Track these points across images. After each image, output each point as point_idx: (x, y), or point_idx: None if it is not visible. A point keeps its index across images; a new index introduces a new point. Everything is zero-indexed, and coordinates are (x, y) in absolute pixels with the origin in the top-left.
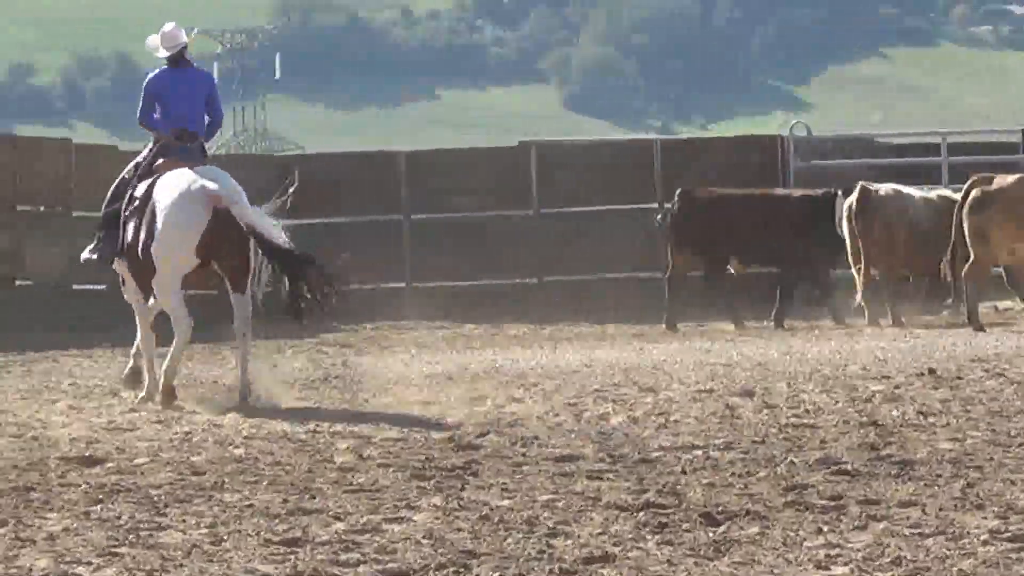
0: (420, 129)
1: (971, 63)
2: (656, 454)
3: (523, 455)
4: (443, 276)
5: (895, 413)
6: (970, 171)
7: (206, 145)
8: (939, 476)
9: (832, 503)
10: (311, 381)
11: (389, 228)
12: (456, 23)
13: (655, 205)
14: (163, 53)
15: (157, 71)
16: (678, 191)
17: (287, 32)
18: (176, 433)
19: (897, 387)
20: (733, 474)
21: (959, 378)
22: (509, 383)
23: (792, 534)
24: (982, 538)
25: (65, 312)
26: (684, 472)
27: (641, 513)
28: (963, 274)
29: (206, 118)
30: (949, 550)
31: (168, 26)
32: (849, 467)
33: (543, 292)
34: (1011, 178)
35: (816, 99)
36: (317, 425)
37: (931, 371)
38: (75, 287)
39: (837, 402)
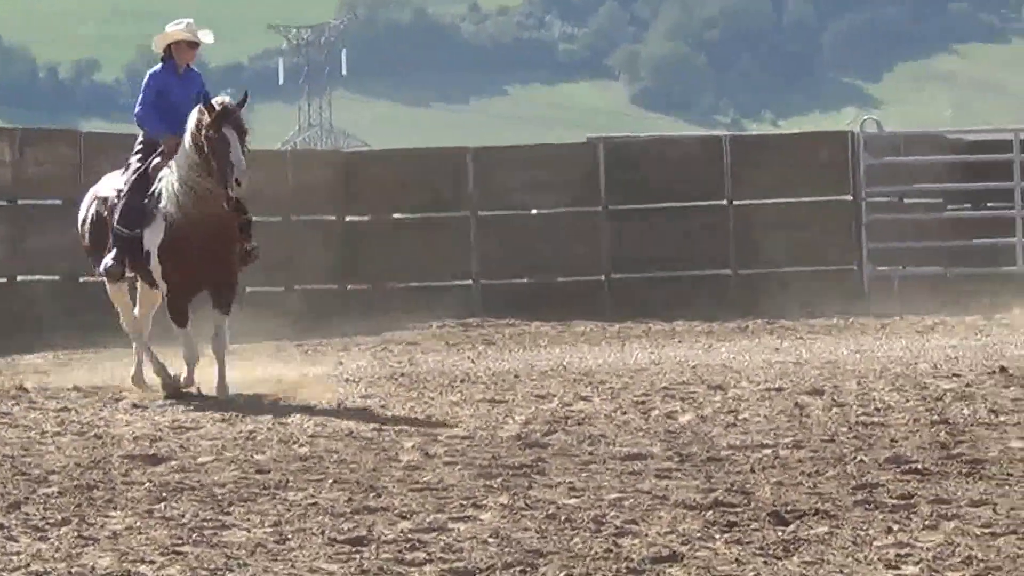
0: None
1: None
2: (725, 452)
3: (590, 453)
4: (511, 273)
5: (966, 411)
6: None
7: None
8: (1010, 475)
9: (902, 502)
10: (377, 379)
11: (456, 224)
12: (525, 18)
13: (724, 202)
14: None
15: (161, 68)
16: None
17: (353, 27)
18: (240, 431)
19: (968, 385)
20: (802, 473)
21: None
22: (576, 381)
23: (862, 533)
24: None
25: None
26: (753, 471)
27: (709, 512)
28: None
29: None
30: (1020, 549)
31: (185, 21)
32: (919, 466)
33: (611, 289)
34: None
35: (888, 95)
36: (383, 423)
37: (1002, 369)
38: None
39: (907, 400)
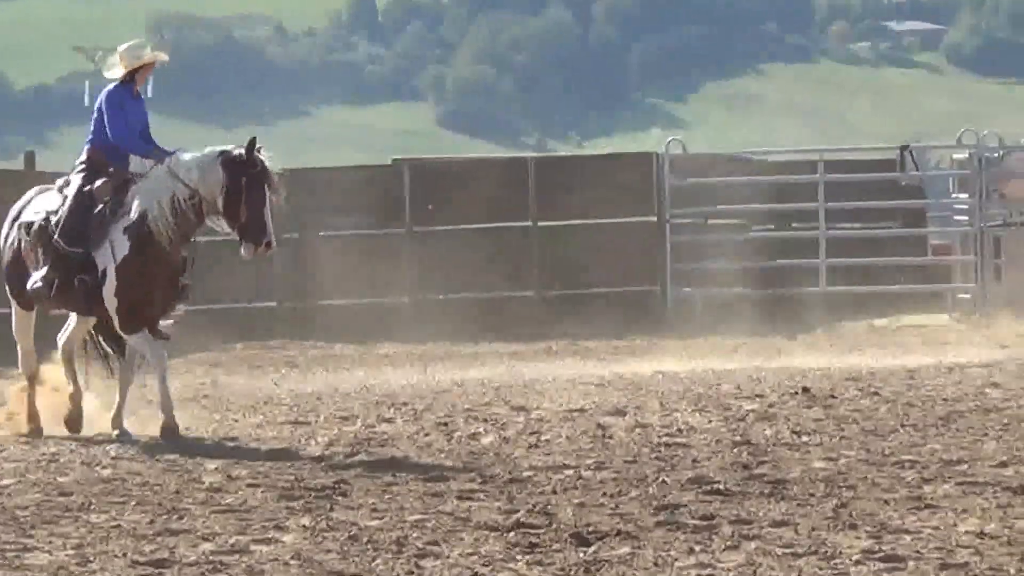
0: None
1: (850, 80)
2: (527, 474)
3: (393, 475)
4: (314, 295)
5: (768, 432)
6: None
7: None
8: (812, 495)
9: (704, 523)
10: (180, 401)
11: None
12: (331, 40)
13: (529, 223)
14: (116, 72)
15: (119, 87)
16: None
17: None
18: (43, 454)
19: (771, 406)
20: (604, 494)
21: (833, 397)
22: (379, 403)
23: (663, 554)
24: (855, 558)
25: None
26: (555, 492)
27: (511, 533)
28: None
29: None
30: (821, 570)
31: (125, 45)
32: (721, 486)
33: (415, 311)
34: None
35: (694, 117)
36: (186, 445)
37: (805, 390)
38: None
39: (710, 421)
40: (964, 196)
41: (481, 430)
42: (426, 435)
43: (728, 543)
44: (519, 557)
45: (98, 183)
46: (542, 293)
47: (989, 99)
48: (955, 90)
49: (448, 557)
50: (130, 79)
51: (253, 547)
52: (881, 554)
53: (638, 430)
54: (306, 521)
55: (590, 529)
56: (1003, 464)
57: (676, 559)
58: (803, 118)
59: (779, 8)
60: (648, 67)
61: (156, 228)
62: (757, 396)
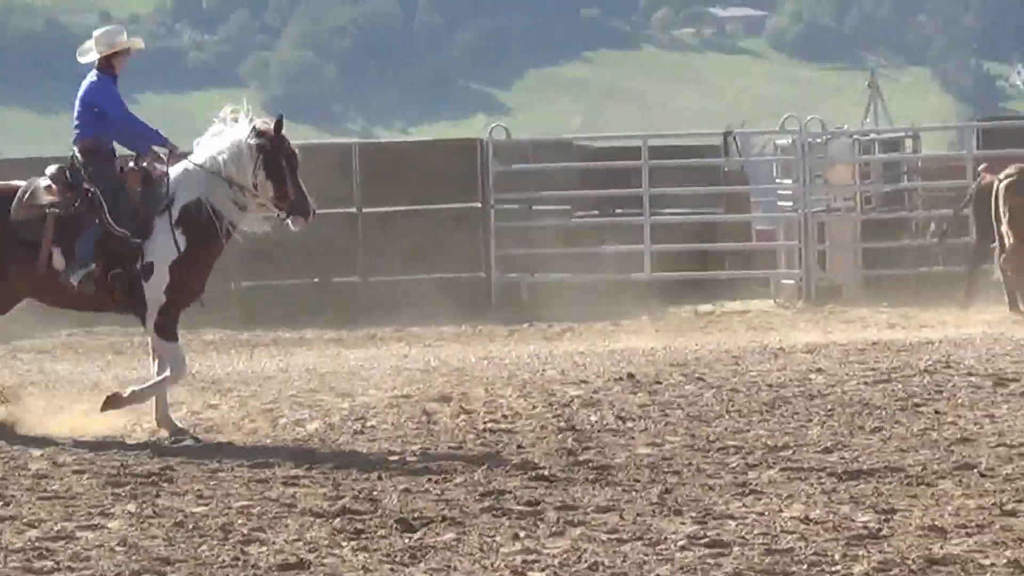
0: None
1: (674, 66)
2: (352, 460)
3: (218, 461)
4: None
5: (593, 418)
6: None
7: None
8: (637, 481)
9: (529, 509)
10: (6, 388)
11: None
12: (155, 27)
13: (354, 210)
14: (91, 58)
15: (103, 76)
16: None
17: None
18: None
19: (595, 392)
20: (429, 480)
21: (658, 383)
22: (205, 389)
23: (489, 540)
24: (679, 543)
25: None
26: (380, 478)
27: (337, 520)
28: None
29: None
30: (646, 556)
31: (101, 29)
32: (546, 472)
33: (240, 297)
34: None
35: (518, 103)
36: (11, 431)
37: (630, 376)
38: None
39: (535, 407)
40: (788, 182)
41: (306, 416)
42: (252, 421)
43: (553, 529)
44: (344, 543)
45: (125, 172)
46: (367, 279)
47: (812, 85)
48: (778, 76)
49: (274, 543)
50: (107, 65)
51: (79, 533)
52: (706, 539)
53: (463, 416)
54: (132, 507)
55: (415, 515)
56: (827, 450)
57: (501, 545)
58: (627, 104)
59: None
60: (472, 53)
61: (211, 223)
62: (582, 382)
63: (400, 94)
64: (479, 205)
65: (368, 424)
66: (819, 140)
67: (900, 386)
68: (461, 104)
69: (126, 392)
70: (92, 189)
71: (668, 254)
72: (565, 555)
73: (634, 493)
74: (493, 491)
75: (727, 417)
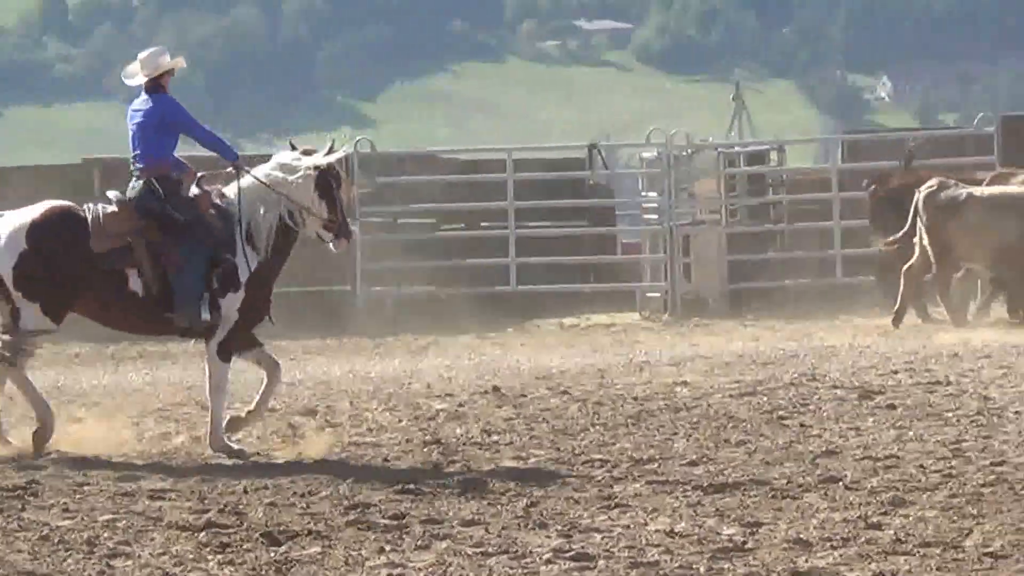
0: None
1: (540, 78)
2: (218, 474)
3: (84, 475)
4: None
5: (459, 431)
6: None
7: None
8: (503, 495)
9: (395, 522)
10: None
11: None
12: (20, 39)
13: None
14: (138, 80)
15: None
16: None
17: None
18: None
19: (461, 405)
20: (295, 493)
21: (523, 396)
22: (70, 402)
23: (354, 554)
24: (545, 557)
25: None
26: (246, 492)
27: (202, 533)
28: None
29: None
30: (512, 569)
31: (146, 52)
32: (412, 486)
33: None
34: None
35: (384, 115)
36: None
37: (495, 389)
38: None
39: (400, 420)
40: (653, 195)
41: (172, 430)
42: (118, 435)
43: (419, 542)
44: (210, 557)
45: (194, 193)
46: None
47: (678, 98)
48: (644, 89)
49: (139, 557)
50: (157, 86)
51: None
52: (572, 553)
53: (328, 429)
54: None
55: (281, 529)
56: (693, 463)
57: (367, 558)
58: (493, 117)
59: (469, 7)
60: (337, 65)
61: (278, 241)
62: (447, 395)
63: (267, 106)
64: None
65: (233, 437)
66: (684, 153)
67: (765, 399)
68: (327, 116)
69: (243, 413)
70: (174, 215)
71: (533, 267)
72: (431, 569)
73: (500, 506)
74: (359, 504)
75: (592, 430)
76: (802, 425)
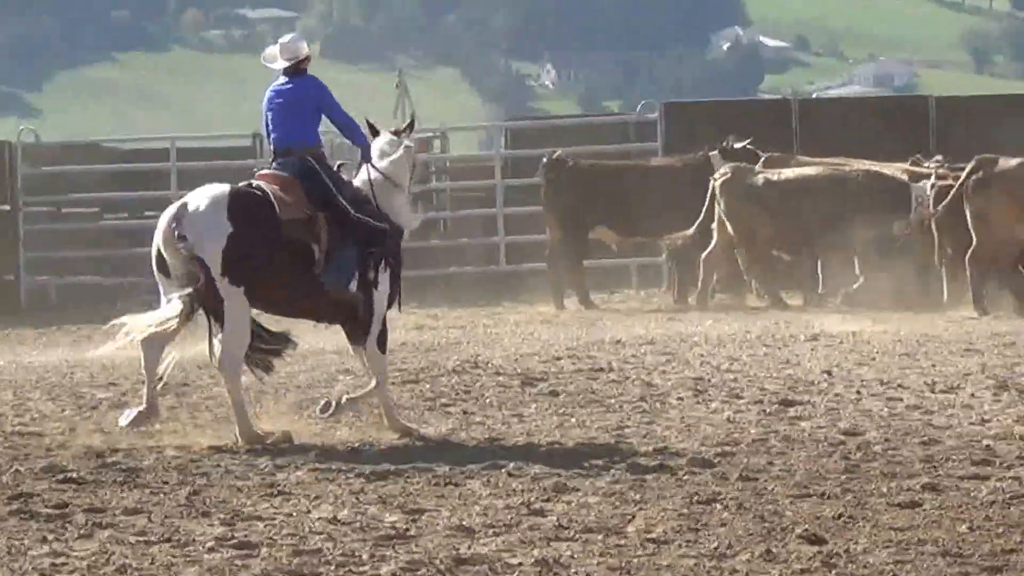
0: None
1: (204, 68)
2: None
3: None
4: None
5: (122, 421)
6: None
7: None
8: (165, 483)
9: (57, 511)
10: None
11: None
12: None
13: (8, 208)
14: (280, 65)
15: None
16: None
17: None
18: None
19: (124, 394)
20: None
21: (185, 385)
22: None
23: (17, 543)
24: (208, 545)
25: None
26: None
27: None
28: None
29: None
30: (175, 557)
31: (287, 37)
32: (75, 475)
33: None
34: (1014, 161)
35: (48, 105)
36: None
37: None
38: None
39: (64, 410)
40: None
41: None
42: None
43: (81, 531)
44: None
45: (349, 180)
46: None
47: (342, 86)
48: None
49: None
50: (299, 70)
51: None
52: (234, 541)
53: None
54: None
55: None
56: (356, 451)
57: (30, 548)
58: (158, 106)
59: None
60: (2, 55)
61: (400, 227)
62: (111, 384)
63: None
64: (8, 208)
65: None
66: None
67: (428, 386)
68: None
69: (343, 399)
70: (337, 196)
71: None
72: (93, 557)
73: (162, 495)
74: (21, 494)
75: (258, 419)
76: (465, 412)
